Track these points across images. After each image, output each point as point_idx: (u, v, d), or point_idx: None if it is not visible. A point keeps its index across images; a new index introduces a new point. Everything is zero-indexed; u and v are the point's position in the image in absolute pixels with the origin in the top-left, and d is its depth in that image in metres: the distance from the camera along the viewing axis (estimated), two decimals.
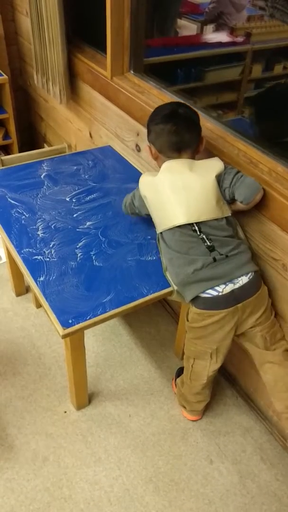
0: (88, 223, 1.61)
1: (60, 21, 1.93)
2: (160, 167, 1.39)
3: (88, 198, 1.73)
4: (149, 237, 1.55)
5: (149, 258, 1.48)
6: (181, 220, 1.31)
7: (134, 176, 1.84)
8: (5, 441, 1.60)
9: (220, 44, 3.11)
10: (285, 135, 1.66)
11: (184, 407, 1.67)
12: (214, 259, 1.30)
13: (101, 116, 2.07)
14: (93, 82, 2.01)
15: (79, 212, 1.65)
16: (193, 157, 1.38)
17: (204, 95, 2.98)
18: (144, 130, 1.77)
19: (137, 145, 1.88)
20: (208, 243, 1.31)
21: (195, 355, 1.47)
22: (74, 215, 1.63)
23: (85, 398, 1.70)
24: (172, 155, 1.36)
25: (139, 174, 1.84)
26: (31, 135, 3.10)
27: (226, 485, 1.53)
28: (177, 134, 1.33)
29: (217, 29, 3.64)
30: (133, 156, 1.93)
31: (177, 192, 1.32)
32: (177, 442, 1.64)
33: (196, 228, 1.32)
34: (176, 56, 2.77)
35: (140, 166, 1.89)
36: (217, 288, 1.29)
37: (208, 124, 1.56)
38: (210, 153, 1.47)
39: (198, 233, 1.32)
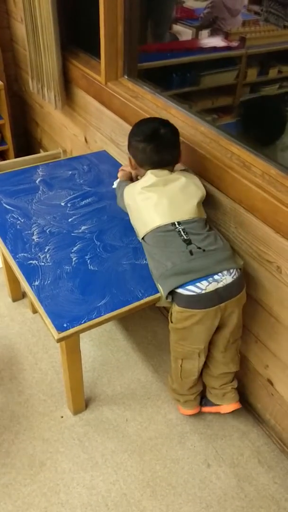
0: (83, 228, 1.61)
1: (54, 28, 1.94)
2: (138, 175, 1.53)
3: (83, 203, 1.73)
4: None
5: (144, 262, 1.48)
6: (158, 222, 1.37)
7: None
8: (2, 447, 1.59)
9: (215, 49, 3.13)
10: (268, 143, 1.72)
11: (179, 401, 1.68)
12: (191, 252, 1.32)
13: (96, 121, 2.08)
14: (88, 87, 2.02)
15: (74, 217, 1.65)
16: (172, 169, 1.46)
17: (200, 99, 2.99)
18: None
19: None
20: (185, 237, 1.34)
21: (182, 356, 1.49)
22: (69, 220, 1.64)
23: (82, 403, 1.70)
24: (154, 167, 1.43)
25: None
26: (27, 141, 3.11)
27: (223, 488, 1.53)
28: (158, 154, 1.40)
29: (212, 34, 3.67)
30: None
31: (159, 200, 1.38)
32: (174, 446, 1.63)
33: (175, 222, 1.36)
34: (171, 61, 2.79)
35: None
36: (199, 285, 1.30)
37: (202, 128, 1.57)
38: (201, 157, 1.47)
39: (176, 226, 1.36)
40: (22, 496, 1.47)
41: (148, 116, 1.67)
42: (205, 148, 1.48)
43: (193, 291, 1.30)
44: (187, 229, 1.35)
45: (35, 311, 2.08)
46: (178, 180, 1.40)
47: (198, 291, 1.30)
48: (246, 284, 1.42)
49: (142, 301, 1.36)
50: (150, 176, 1.40)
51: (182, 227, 1.35)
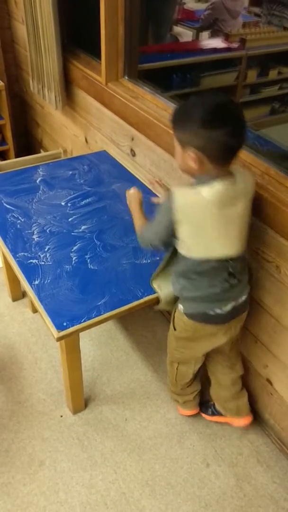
0: (83, 227, 1.62)
1: (55, 29, 1.95)
2: (194, 177, 1.16)
3: (83, 203, 1.74)
4: None
5: (144, 261, 1.49)
6: (218, 254, 1.20)
7: (129, 180, 1.86)
8: (1, 446, 1.60)
9: (215, 50, 3.14)
10: None
11: (177, 401, 1.68)
12: (231, 285, 1.26)
13: (97, 122, 2.09)
14: (88, 88, 2.03)
15: (74, 216, 1.66)
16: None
17: None
18: (138, 135, 1.79)
19: (132, 150, 1.90)
20: (231, 270, 1.24)
21: (179, 361, 1.49)
22: (69, 219, 1.64)
23: (81, 402, 1.70)
24: (224, 163, 1.11)
25: (134, 178, 1.87)
26: (27, 141, 3.11)
27: (222, 488, 1.53)
28: (234, 137, 1.07)
29: (213, 35, 3.68)
30: (128, 160, 1.95)
31: (224, 225, 1.17)
32: (174, 445, 1.64)
33: (228, 259, 1.22)
34: (171, 62, 2.80)
35: (135, 170, 1.91)
36: (224, 308, 1.28)
37: None
38: None
39: (228, 262, 1.22)
40: (21, 495, 1.47)
41: (149, 117, 1.67)
42: None
43: (216, 312, 1.28)
44: (235, 264, 1.24)
45: (35, 310, 2.08)
46: (241, 201, 1.16)
47: (220, 312, 1.28)
48: None
49: (141, 301, 1.36)
50: (218, 189, 1.11)
51: (233, 264, 1.23)
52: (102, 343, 1.98)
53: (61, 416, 1.70)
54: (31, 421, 1.67)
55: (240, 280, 1.28)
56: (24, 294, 2.16)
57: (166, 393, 1.79)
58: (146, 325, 2.07)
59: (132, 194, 1.44)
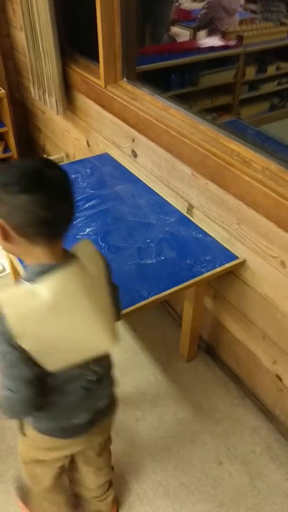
0: (87, 230, 1.62)
1: (53, 34, 1.97)
2: (25, 269, 0.92)
3: (87, 205, 1.74)
4: (148, 240, 1.57)
5: (149, 261, 1.49)
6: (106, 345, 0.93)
7: (131, 181, 1.87)
8: (2, 454, 1.60)
9: (212, 49, 3.14)
10: None
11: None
12: (94, 395, 1.04)
13: (97, 125, 2.10)
14: (88, 91, 2.04)
15: (78, 219, 1.67)
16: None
17: (199, 99, 3.01)
18: (139, 136, 1.80)
19: (133, 151, 1.90)
20: (89, 378, 1.01)
21: (32, 462, 1.20)
22: (74, 222, 1.65)
23: None
24: (47, 241, 0.85)
25: (137, 179, 1.88)
26: (30, 147, 3.14)
27: (236, 486, 1.52)
28: (48, 209, 0.81)
29: (210, 34, 3.68)
30: (130, 162, 1.96)
31: (78, 324, 0.88)
32: (186, 445, 1.64)
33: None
34: (169, 62, 2.80)
35: (137, 171, 1.91)
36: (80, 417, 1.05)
37: (201, 127, 1.58)
38: (202, 155, 1.48)
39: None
40: None
41: (149, 117, 1.68)
42: (205, 147, 1.49)
43: (70, 423, 1.05)
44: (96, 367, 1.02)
45: None
46: (98, 288, 0.92)
47: (76, 422, 1.05)
48: (252, 279, 1.43)
49: (147, 300, 1.36)
50: (60, 282, 0.84)
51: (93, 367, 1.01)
52: None
53: None
54: None
55: (104, 386, 1.07)
56: None
57: (177, 393, 1.79)
58: (154, 325, 2.07)
59: None
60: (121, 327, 2.06)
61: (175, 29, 4.19)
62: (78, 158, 2.38)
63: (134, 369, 1.88)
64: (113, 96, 1.86)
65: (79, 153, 2.40)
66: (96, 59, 1.93)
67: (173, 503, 1.48)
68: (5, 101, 2.60)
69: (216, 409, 1.74)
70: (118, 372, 1.84)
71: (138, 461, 1.58)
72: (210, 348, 1.91)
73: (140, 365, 1.90)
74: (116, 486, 1.51)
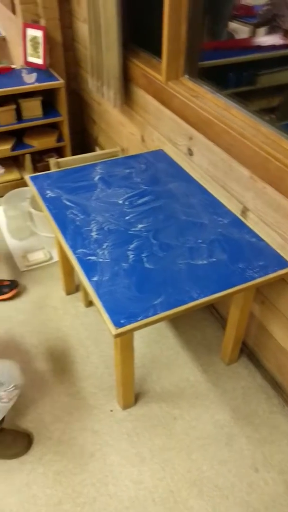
0: (139, 226, 1.63)
1: (117, 27, 1.97)
2: None
3: (140, 201, 1.75)
4: (200, 240, 1.56)
5: (200, 262, 1.48)
6: None
7: (185, 180, 1.86)
8: (54, 435, 1.65)
9: (273, 47, 3.06)
10: None
11: None
12: None
13: (154, 120, 2.10)
14: (148, 86, 2.04)
15: (131, 215, 1.68)
16: None
17: (256, 99, 2.94)
18: (197, 135, 1.79)
19: (189, 149, 1.89)
20: None
21: None
22: (126, 218, 1.66)
23: (132, 398, 1.73)
24: None
25: (191, 178, 1.87)
26: (82, 138, 3.17)
27: (271, 495, 1.51)
28: None
29: (270, 32, 3.59)
30: (185, 160, 1.95)
31: None
32: (222, 447, 1.63)
33: None
34: (229, 59, 2.75)
35: (191, 170, 1.90)
36: None
37: (263, 129, 1.55)
38: (263, 158, 1.45)
39: None
40: (72, 484, 1.52)
41: (209, 116, 1.67)
42: (266, 149, 1.46)
43: None
44: None
45: (87, 304, 2.13)
46: None
47: None
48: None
49: (197, 302, 1.36)
50: None
51: None
52: (152, 340, 1.99)
53: (111, 411, 1.73)
54: (82, 414, 1.72)
55: None
56: (77, 288, 2.21)
57: (215, 395, 1.79)
58: (196, 325, 2.07)
59: None
60: (163, 324, 2.07)
61: (233, 25, 4.10)
62: (131, 152, 2.40)
63: (174, 368, 1.89)
64: (174, 92, 1.85)
65: (133, 147, 2.40)
66: (158, 54, 1.93)
67: (207, 505, 1.48)
68: (62, 91, 2.63)
69: (255, 415, 1.73)
70: (158, 369, 1.87)
71: (173, 459, 1.59)
72: (253, 353, 1.89)
73: (180, 364, 1.90)
74: (152, 481, 1.53)
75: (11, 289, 2.16)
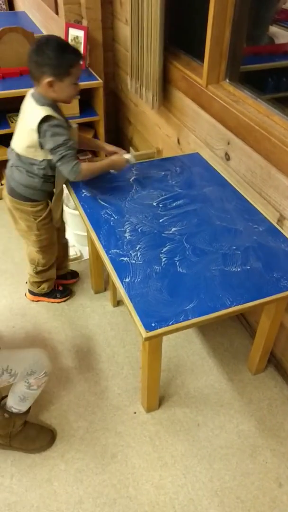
0: (173, 229, 1.62)
1: (160, 30, 1.97)
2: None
3: (174, 204, 1.74)
4: (234, 247, 1.54)
5: (234, 269, 1.46)
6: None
7: (221, 184, 1.84)
8: (77, 433, 1.65)
9: None
10: None
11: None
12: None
13: (192, 123, 2.08)
14: (187, 89, 2.03)
15: (165, 218, 1.67)
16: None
17: None
18: (235, 140, 1.77)
19: (226, 154, 1.87)
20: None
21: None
22: (160, 220, 1.66)
23: (156, 401, 1.72)
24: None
25: (226, 183, 1.85)
26: (117, 138, 3.18)
27: None
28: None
29: None
30: (221, 164, 1.93)
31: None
32: (245, 459, 1.60)
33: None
34: (270, 64, 2.71)
35: (227, 175, 1.88)
36: None
37: None
38: None
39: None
40: (93, 484, 1.52)
41: (250, 122, 1.65)
42: None
43: None
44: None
45: (115, 304, 2.13)
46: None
47: None
48: None
49: (230, 310, 1.34)
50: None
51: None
52: (179, 345, 1.98)
53: (135, 413, 1.72)
54: (105, 414, 1.72)
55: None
56: (106, 288, 2.21)
57: (241, 404, 1.76)
58: (223, 332, 2.04)
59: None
60: (190, 329, 2.05)
61: (273, 29, 4.05)
62: (166, 154, 2.39)
63: (199, 374, 1.87)
64: (214, 96, 1.83)
65: (168, 149, 2.39)
66: (199, 57, 1.91)
67: None
68: (100, 91, 2.65)
69: (281, 428, 1.69)
70: (183, 374, 1.85)
71: (195, 466, 1.57)
72: (280, 365, 1.85)
73: (206, 371, 1.88)
74: (173, 487, 1.52)
75: (63, 296, 2.18)
